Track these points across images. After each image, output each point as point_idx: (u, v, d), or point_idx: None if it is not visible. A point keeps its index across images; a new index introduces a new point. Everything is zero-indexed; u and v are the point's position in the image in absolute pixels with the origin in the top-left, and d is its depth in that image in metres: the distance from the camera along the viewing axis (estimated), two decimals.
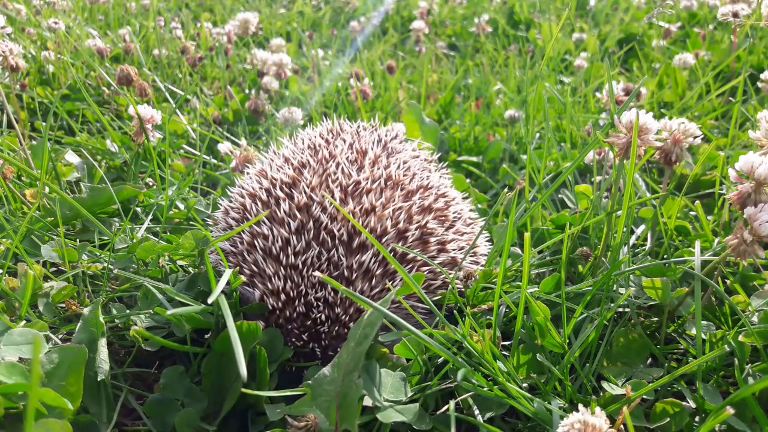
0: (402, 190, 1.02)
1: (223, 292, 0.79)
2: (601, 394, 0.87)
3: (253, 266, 0.96)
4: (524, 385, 0.88)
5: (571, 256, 1.15)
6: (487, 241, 1.21)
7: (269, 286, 0.93)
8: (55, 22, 2.55)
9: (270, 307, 0.93)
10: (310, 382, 0.79)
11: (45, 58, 2.52)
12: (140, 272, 1.14)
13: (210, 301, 0.76)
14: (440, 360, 0.93)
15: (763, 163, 0.90)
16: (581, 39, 3.51)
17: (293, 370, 0.95)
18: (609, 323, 1.00)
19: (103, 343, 0.88)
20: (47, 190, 1.33)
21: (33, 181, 1.51)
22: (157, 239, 1.22)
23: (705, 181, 1.61)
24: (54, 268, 1.21)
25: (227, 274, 0.83)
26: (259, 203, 1.01)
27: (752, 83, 2.40)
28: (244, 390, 0.78)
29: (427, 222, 1.00)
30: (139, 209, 1.42)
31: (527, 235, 0.88)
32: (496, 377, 0.83)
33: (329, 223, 0.94)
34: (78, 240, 1.25)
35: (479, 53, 3.57)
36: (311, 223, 0.95)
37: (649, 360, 0.95)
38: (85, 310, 0.90)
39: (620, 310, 1.05)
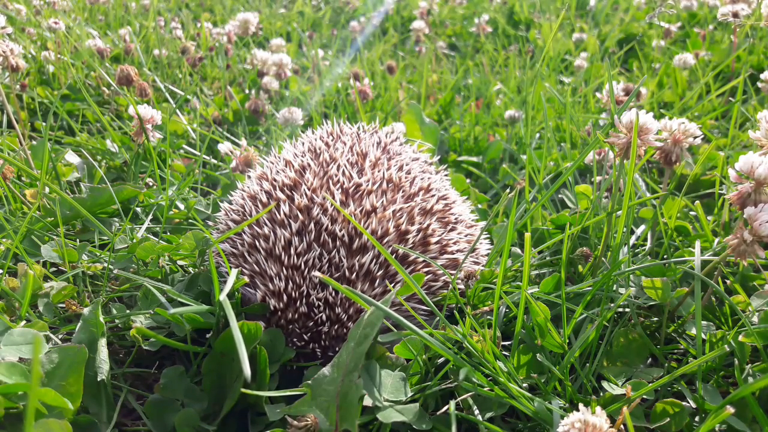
0: (403, 192, 1.02)
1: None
2: (601, 394, 0.87)
3: (255, 266, 0.96)
4: (524, 385, 0.88)
5: (571, 257, 1.15)
6: (486, 239, 1.21)
7: (270, 286, 0.93)
8: (55, 22, 2.55)
9: (271, 308, 0.93)
10: (310, 382, 0.79)
11: (45, 58, 2.52)
12: (140, 272, 1.14)
13: (221, 298, 0.75)
14: (440, 360, 0.93)
15: (763, 163, 0.90)
16: (581, 39, 3.51)
17: (293, 369, 0.95)
18: (609, 323, 1.00)
19: (103, 343, 0.89)
20: (47, 190, 1.33)
21: (33, 181, 1.51)
22: (157, 239, 1.22)
23: (705, 181, 1.61)
24: (54, 268, 1.21)
25: (233, 276, 0.83)
26: (259, 205, 1.02)
27: (752, 83, 2.40)
28: (244, 390, 0.78)
29: (429, 224, 1.00)
30: (139, 209, 1.42)
31: (527, 235, 0.88)
32: (497, 377, 0.83)
33: (330, 225, 0.94)
34: (78, 240, 1.25)
35: (479, 53, 3.57)
36: (312, 224, 0.95)
37: (649, 360, 0.96)
38: (85, 310, 0.90)
39: (620, 310, 1.05)
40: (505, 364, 0.87)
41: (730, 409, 0.69)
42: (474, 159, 1.95)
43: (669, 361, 0.98)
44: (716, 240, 1.19)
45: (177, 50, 2.80)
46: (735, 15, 2.20)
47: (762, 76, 1.92)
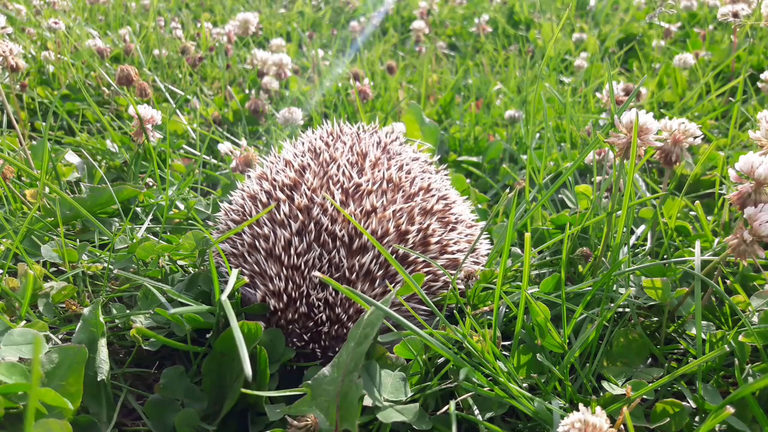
0: (403, 192, 1.02)
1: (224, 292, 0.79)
2: (601, 394, 0.87)
3: (255, 266, 0.96)
4: (524, 385, 0.88)
5: (571, 257, 1.15)
6: (486, 239, 1.21)
7: (270, 287, 0.93)
8: (55, 22, 2.55)
9: (271, 308, 0.93)
10: (310, 382, 0.79)
11: (45, 58, 2.52)
12: (140, 272, 1.14)
13: (221, 298, 0.75)
14: (440, 360, 0.93)
15: (763, 163, 0.90)
16: (581, 39, 3.51)
17: (294, 369, 0.95)
18: (609, 323, 1.00)
19: (103, 343, 0.89)
20: (47, 190, 1.33)
21: (33, 181, 1.51)
22: (157, 239, 1.22)
23: (705, 181, 1.61)
24: (54, 268, 1.21)
25: (233, 277, 0.83)
26: (259, 205, 1.02)
27: (752, 83, 2.40)
28: (244, 390, 0.78)
29: (429, 224, 1.00)
30: (139, 209, 1.42)
31: (527, 235, 0.88)
32: (497, 377, 0.83)
33: (330, 225, 0.94)
34: (78, 240, 1.25)
35: (479, 53, 3.57)
36: (312, 224, 0.95)
37: (649, 360, 0.96)
38: (85, 310, 0.90)
39: (620, 310, 1.05)
40: (505, 364, 0.87)
41: (730, 409, 0.69)
42: (474, 159, 1.95)
43: (669, 361, 0.98)
44: (716, 240, 1.19)
45: (177, 50, 2.80)
46: (735, 15, 2.20)
47: (762, 76, 1.92)
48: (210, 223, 1.33)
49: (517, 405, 0.81)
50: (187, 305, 0.94)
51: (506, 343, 1.02)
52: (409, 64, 3.43)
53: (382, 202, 0.98)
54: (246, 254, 0.98)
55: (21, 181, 1.54)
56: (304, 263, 0.92)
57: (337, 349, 0.93)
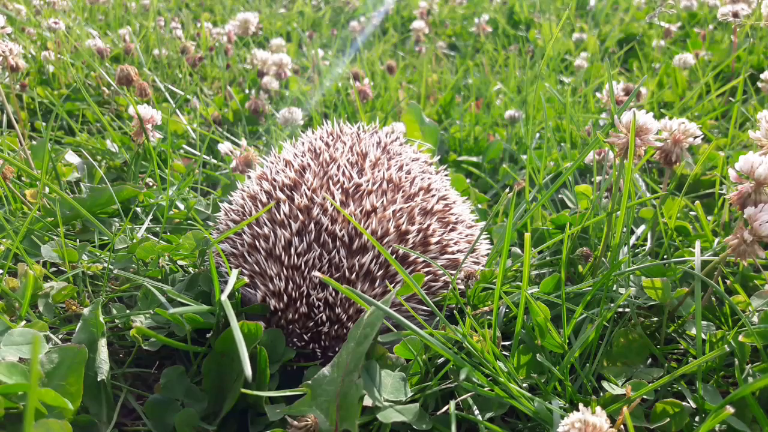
0: (403, 192, 1.02)
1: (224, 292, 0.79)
2: (601, 394, 0.87)
3: (255, 266, 0.96)
4: (524, 385, 0.88)
5: (571, 257, 1.15)
6: (486, 239, 1.21)
7: (271, 287, 0.93)
8: (55, 22, 2.55)
9: (272, 308, 0.93)
10: (310, 382, 0.79)
11: (45, 58, 2.52)
12: (140, 272, 1.14)
13: (221, 299, 0.75)
14: (440, 360, 0.93)
15: (763, 163, 0.90)
16: (581, 39, 3.51)
17: (294, 369, 0.95)
18: (609, 323, 1.00)
19: (103, 343, 0.89)
20: (47, 190, 1.33)
21: (33, 181, 1.51)
22: (157, 239, 1.22)
23: (705, 181, 1.61)
24: (54, 268, 1.21)
25: (233, 277, 0.83)
26: (259, 205, 1.02)
27: (752, 83, 2.40)
28: (244, 390, 0.78)
29: (429, 224, 1.00)
30: (139, 209, 1.42)
31: (527, 235, 0.88)
32: (497, 377, 0.83)
33: (330, 225, 0.94)
34: (78, 240, 1.25)
35: (479, 53, 3.57)
36: (312, 224, 0.95)
37: (649, 360, 0.96)
38: (85, 310, 0.90)
39: (620, 310, 1.05)
40: (505, 364, 0.87)
41: (730, 409, 0.69)
42: (474, 159, 1.95)
43: (669, 361, 0.98)
44: (716, 240, 1.19)
45: (177, 50, 2.80)
46: (735, 15, 2.20)
47: (762, 76, 1.92)
48: (210, 223, 1.33)
49: (517, 405, 0.81)
50: (187, 305, 0.95)
51: (506, 343, 1.02)
52: (409, 64, 3.43)
53: (382, 202, 0.98)
54: (246, 254, 0.98)
55: (21, 181, 1.54)
56: (304, 263, 0.92)
57: (337, 349, 0.93)
